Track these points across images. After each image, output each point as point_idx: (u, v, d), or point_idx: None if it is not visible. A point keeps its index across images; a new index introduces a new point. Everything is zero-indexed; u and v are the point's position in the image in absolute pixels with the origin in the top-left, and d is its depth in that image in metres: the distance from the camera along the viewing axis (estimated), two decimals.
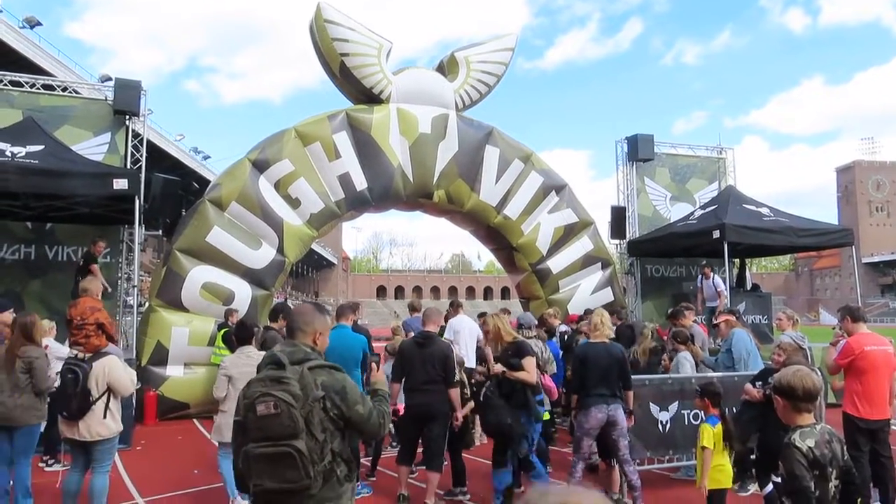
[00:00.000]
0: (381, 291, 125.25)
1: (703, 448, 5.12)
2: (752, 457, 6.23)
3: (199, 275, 10.96)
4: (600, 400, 5.90)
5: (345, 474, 2.74)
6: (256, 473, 2.62)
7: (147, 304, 11.32)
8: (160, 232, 13.23)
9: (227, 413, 5.99)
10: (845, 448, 3.06)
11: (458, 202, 13.10)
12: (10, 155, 9.29)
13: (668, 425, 6.77)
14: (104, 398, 5.35)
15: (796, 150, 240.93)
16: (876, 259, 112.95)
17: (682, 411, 6.81)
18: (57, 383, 5.75)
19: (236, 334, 6.45)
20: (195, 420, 10.75)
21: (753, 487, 6.52)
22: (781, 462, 2.91)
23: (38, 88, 11.64)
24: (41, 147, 9.83)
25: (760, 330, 12.46)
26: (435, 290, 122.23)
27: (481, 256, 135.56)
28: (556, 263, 13.77)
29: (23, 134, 10.10)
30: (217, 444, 6.22)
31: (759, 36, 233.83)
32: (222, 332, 10.59)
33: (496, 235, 13.91)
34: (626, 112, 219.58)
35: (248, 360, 6.16)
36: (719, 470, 5.12)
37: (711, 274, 13.19)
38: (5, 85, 11.35)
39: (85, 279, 7.66)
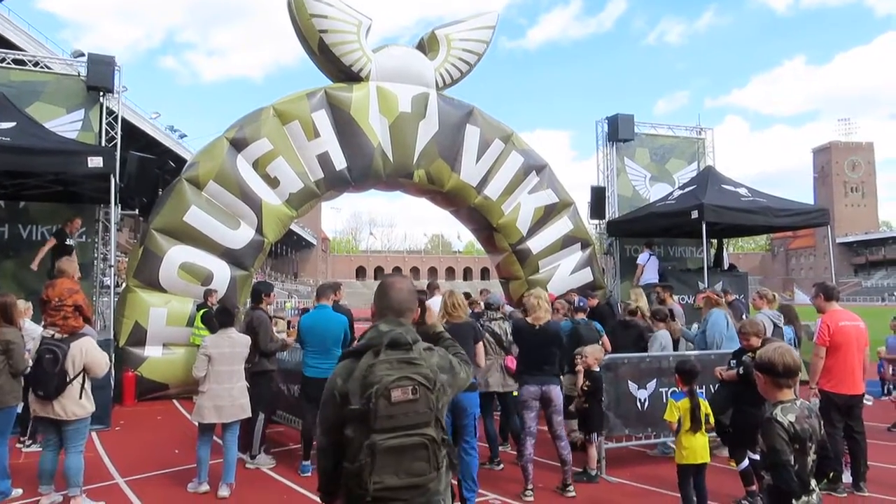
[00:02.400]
0: (360, 272, 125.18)
1: (667, 420, 5.29)
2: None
3: (176, 255, 10.84)
4: (533, 379, 6.11)
5: (448, 463, 2.46)
6: (379, 469, 2.26)
7: (124, 285, 11.19)
8: (136, 211, 13.07)
9: (206, 394, 6.02)
10: (822, 423, 3.13)
11: (438, 182, 13.05)
12: None
13: (647, 403, 6.87)
14: (80, 378, 5.32)
15: (777, 130, 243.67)
16: (850, 239, 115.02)
17: (660, 389, 6.91)
18: (31, 363, 5.69)
19: (218, 317, 6.44)
20: (174, 401, 10.71)
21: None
22: (762, 436, 2.97)
23: (8, 63, 11.35)
24: (13, 124, 9.61)
25: (737, 309, 12.65)
26: (415, 271, 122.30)
27: (461, 237, 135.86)
28: (536, 244, 13.81)
29: None
30: (197, 424, 6.21)
31: (742, 15, 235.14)
32: (201, 312, 10.53)
33: (476, 216, 13.90)
34: (608, 92, 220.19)
35: (229, 340, 6.18)
36: (683, 447, 5.24)
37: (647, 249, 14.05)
38: None
39: (61, 260, 7.55)
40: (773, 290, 9.87)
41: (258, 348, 6.95)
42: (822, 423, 3.10)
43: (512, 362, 6.92)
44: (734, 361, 5.91)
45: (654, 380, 6.92)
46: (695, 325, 8.66)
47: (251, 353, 6.64)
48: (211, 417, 5.99)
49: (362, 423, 2.28)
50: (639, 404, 6.86)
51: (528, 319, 6.26)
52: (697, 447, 5.23)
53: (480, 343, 6.25)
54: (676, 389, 5.64)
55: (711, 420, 5.43)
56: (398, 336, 2.44)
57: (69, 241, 10.66)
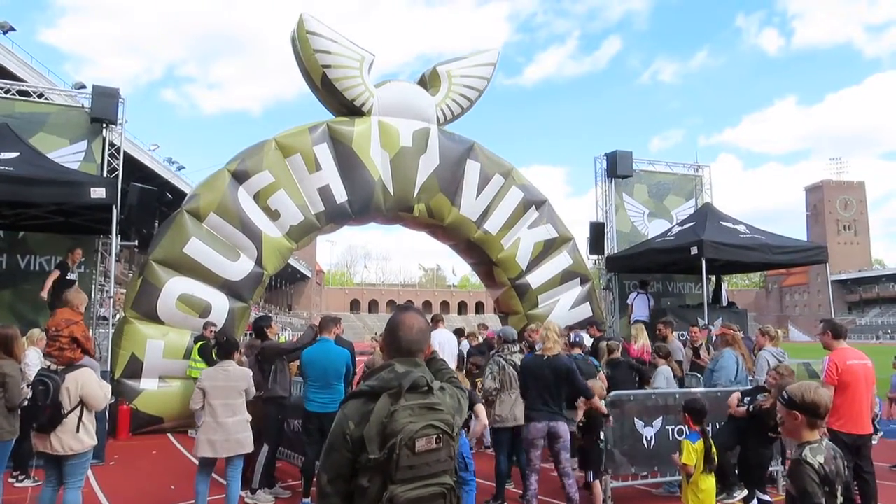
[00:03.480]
0: (354, 305, 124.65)
1: (684, 465, 5.16)
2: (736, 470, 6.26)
3: (175, 286, 10.76)
4: (541, 415, 6.06)
5: None
6: None
7: (120, 316, 11.08)
8: (135, 242, 13.01)
9: (203, 427, 5.95)
10: (845, 464, 3.07)
11: (438, 216, 13.08)
12: None
13: (653, 440, 6.77)
14: (77, 411, 5.21)
15: (770, 168, 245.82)
16: (843, 277, 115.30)
17: (667, 427, 6.83)
18: (29, 395, 5.58)
19: (221, 348, 6.36)
20: (169, 435, 10.53)
21: (740, 493, 6.54)
22: (791, 479, 2.91)
23: (12, 94, 11.40)
24: (16, 154, 9.62)
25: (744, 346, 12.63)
26: None
27: (456, 271, 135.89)
28: (535, 278, 13.80)
29: None
30: (197, 460, 6.10)
31: (735, 56, 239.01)
32: (198, 344, 10.42)
33: (476, 250, 13.90)
34: (602, 129, 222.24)
35: (224, 374, 6.11)
36: (700, 490, 5.13)
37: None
38: None
39: (69, 290, 7.51)
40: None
41: (274, 375, 6.95)
42: (845, 463, 3.04)
43: None
44: (747, 399, 5.86)
45: (661, 417, 6.84)
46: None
47: (265, 380, 6.56)
48: (206, 451, 5.88)
49: (380, 474, 2.16)
50: (645, 442, 6.77)
51: (537, 351, 6.21)
52: (711, 489, 5.15)
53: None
54: (685, 429, 5.56)
55: (716, 458, 5.37)
56: (419, 379, 2.29)
57: (70, 275, 10.57)
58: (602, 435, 6.60)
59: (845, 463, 3.03)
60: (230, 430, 5.96)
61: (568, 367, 6.19)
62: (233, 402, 6.04)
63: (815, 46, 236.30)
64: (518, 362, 7.02)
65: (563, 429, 6.08)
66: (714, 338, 9.78)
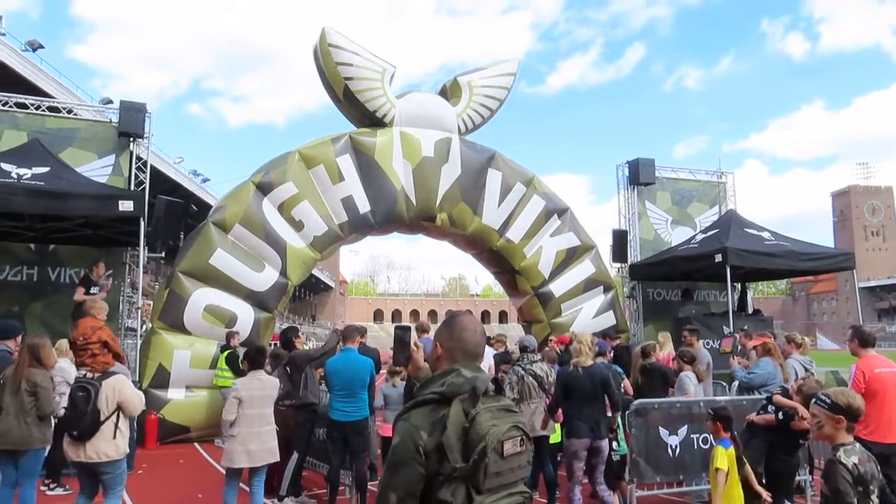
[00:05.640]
0: (378, 315, 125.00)
1: (717, 469, 5.11)
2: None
3: (201, 297, 10.92)
4: (583, 430, 6.03)
5: None
6: None
7: (147, 327, 11.26)
8: (162, 254, 13.22)
9: (237, 438, 5.94)
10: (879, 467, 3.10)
11: (460, 225, 13.13)
12: (16, 176, 9.32)
13: (678, 449, 6.73)
14: (113, 417, 5.29)
15: (795, 174, 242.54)
16: (872, 283, 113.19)
17: (692, 435, 6.78)
18: (64, 404, 5.69)
19: (251, 358, 6.40)
20: (196, 444, 10.66)
21: None
22: (825, 479, 2.98)
23: (43, 110, 11.69)
24: (47, 169, 9.86)
25: None
26: (432, 314, 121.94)
27: (478, 280, 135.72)
28: (558, 287, 13.77)
29: (28, 155, 10.15)
30: (224, 470, 6.16)
31: (760, 62, 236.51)
32: (225, 354, 10.55)
33: (498, 259, 13.92)
34: (626, 137, 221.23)
35: (259, 382, 6.15)
36: (735, 497, 5.09)
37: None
38: (11, 107, 11.40)
39: (87, 299, 7.65)
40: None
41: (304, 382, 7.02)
42: (878, 466, 3.06)
43: None
44: (772, 407, 5.80)
45: (686, 426, 6.80)
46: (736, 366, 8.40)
47: (295, 388, 6.64)
48: (242, 462, 5.91)
49: (464, 484, 2.01)
50: (670, 451, 6.73)
51: (573, 363, 6.22)
52: (741, 496, 5.11)
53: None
54: (710, 436, 5.53)
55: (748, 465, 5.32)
56: (488, 382, 2.17)
57: (93, 290, 10.67)
58: (615, 445, 6.61)
59: (878, 466, 3.06)
60: (265, 438, 6.02)
61: (604, 375, 6.23)
62: (266, 410, 6.11)
63: (842, 50, 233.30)
64: (538, 371, 7.03)
65: (605, 445, 6.15)
66: (739, 346, 9.69)
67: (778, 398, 6.04)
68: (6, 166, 9.56)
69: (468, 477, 2.00)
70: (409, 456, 2.05)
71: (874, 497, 2.94)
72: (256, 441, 5.95)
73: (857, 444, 3.07)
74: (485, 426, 2.04)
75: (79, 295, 10.38)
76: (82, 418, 5.17)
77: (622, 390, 7.63)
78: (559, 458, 7.41)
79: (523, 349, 7.47)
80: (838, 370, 12.90)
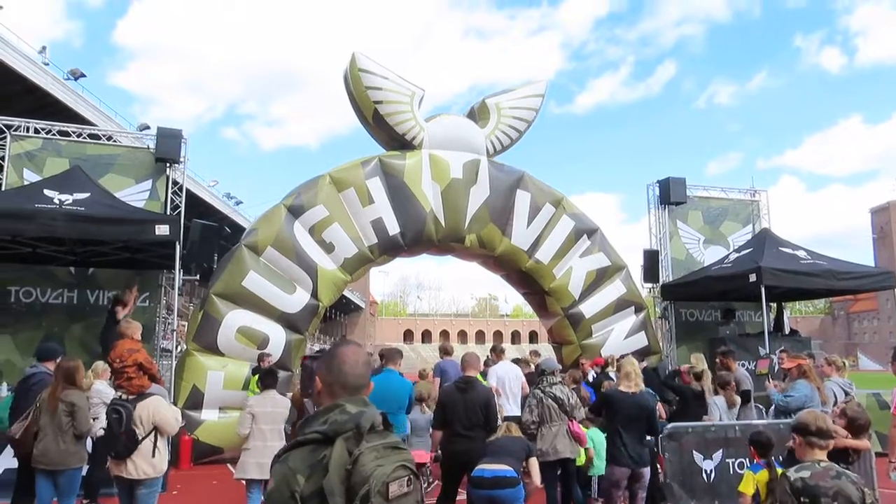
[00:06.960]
0: (407, 335, 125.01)
1: (740, 493, 5.06)
2: None
3: (234, 319, 11.08)
4: (625, 459, 5.99)
5: None
6: None
7: (181, 348, 11.44)
8: (196, 277, 13.46)
9: (251, 450, 6.27)
10: (866, 491, 3.10)
11: (489, 246, 13.15)
12: (58, 202, 9.58)
13: (713, 474, 6.62)
14: (151, 437, 5.44)
15: (833, 190, 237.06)
16: None
17: (727, 460, 6.68)
18: (102, 425, 5.84)
19: (263, 379, 6.81)
20: (228, 464, 10.74)
21: None
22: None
23: (84, 138, 12.06)
24: (87, 195, 10.13)
25: None
26: (462, 335, 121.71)
27: (508, 300, 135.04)
28: (588, 308, 13.68)
29: (70, 182, 10.43)
30: (244, 482, 6.39)
31: (795, 77, 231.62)
32: (257, 376, 10.65)
33: (528, 279, 13.90)
34: (658, 155, 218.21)
35: (272, 401, 6.65)
36: None
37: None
38: (54, 135, 11.78)
39: (122, 322, 7.83)
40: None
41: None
42: (863, 489, 3.06)
43: (577, 427, 6.78)
44: None
45: (721, 450, 6.69)
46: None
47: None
48: (253, 473, 6.28)
49: None
50: (705, 475, 6.62)
51: (622, 388, 6.18)
52: None
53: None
54: (746, 461, 5.43)
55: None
56: (375, 417, 2.06)
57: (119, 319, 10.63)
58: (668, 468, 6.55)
59: (862, 489, 3.06)
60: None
61: (651, 407, 6.23)
62: (279, 427, 6.56)
63: (880, 63, 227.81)
64: (559, 394, 6.98)
65: (647, 472, 6.12)
66: (776, 368, 9.50)
67: None
68: (49, 192, 9.84)
69: None
70: (283, 501, 1.95)
71: None
72: (268, 455, 6.08)
73: (826, 464, 3.16)
74: (369, 467, 1.93)
75: (120, 314, 10.48)
76: (118, 439, 5.33)
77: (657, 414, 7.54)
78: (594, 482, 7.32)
79: (541, 373, 7.43)
80: (880, 392, 12.55)
